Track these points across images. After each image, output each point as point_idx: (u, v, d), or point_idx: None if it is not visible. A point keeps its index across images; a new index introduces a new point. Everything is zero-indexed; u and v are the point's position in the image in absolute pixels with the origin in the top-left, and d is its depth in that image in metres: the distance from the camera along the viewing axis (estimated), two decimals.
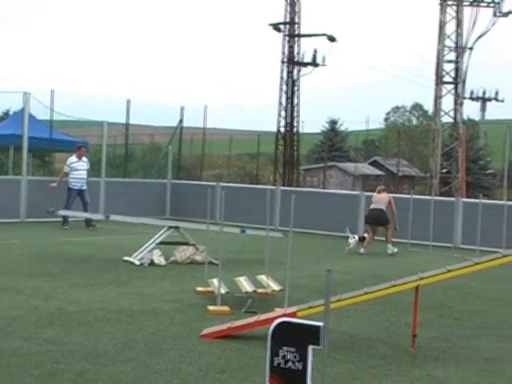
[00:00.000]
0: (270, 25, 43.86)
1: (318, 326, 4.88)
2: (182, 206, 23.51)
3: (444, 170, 39.13)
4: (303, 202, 19.38)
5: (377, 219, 17.50)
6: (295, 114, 43.28)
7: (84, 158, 20.09)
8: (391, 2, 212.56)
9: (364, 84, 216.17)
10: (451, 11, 38.47)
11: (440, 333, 8.89)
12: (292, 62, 43.41)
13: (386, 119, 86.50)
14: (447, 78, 38.59)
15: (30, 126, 21.23)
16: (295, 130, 43.43)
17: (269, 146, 43.74)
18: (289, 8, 43.34)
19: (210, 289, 10.09)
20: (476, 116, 71.72)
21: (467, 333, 9.03)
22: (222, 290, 9.62)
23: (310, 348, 4.88)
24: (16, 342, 7.42)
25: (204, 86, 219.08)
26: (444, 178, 39.14)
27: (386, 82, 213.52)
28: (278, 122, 43.44)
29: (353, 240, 17.15)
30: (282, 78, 43.63)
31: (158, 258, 13.41)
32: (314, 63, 43.85)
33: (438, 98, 38.29)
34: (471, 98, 62.41)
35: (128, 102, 24.55)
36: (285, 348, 4.93)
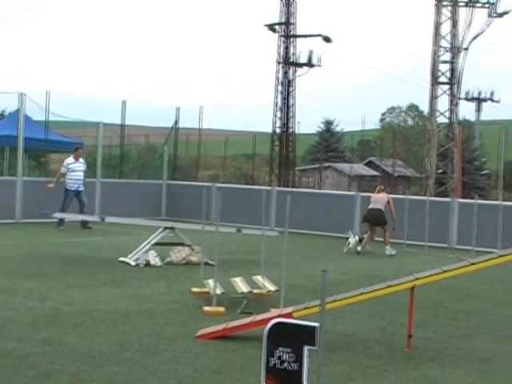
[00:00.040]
0: (266, 25, 43.96)
1: (314, 327, 4.88)
2: (177, 206, 23.49)
3: (439, 171, 39.20)
4: (299, 202, 19.39)
5: (375, 219, 17.51)
6: (291, 114, 43.37)
7: (81, 159, 20.09)
8: (387, 3, 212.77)
9: (359, 85, 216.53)
10: (446, 12, 38.59)
11: (435, 333, 8.90)
12: (287, 62, 43.47)
13: (382, 120, 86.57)
14: (443, 79, 38.69)
15: (26, 127, 21.20)
16: (291, 130, 43.51)
17: (264, 146, 43.80)
18: (284, 9, 43.41)
19: (205, 289, 10.09)
20: (471, 116, 71.98)
21: (463, 333, 9.04)
22: (218, 291, 9.61)
23: (306, 348, 4.88)
24: (11, 343, 7.40)
25: (199, 87, 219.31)
26: (439, 179, 39.21)
27: (381, 82, 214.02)
28: (274, 123, 43.54)
29: (353, 240, 17.21)
30: (277, 78, 43.72)
31: (154, 259, 13.40)
32: (309, 64, 43.95)
33: (433, 98, 38.37)
34: (467, 99, 62.58)
35: (123, 102, 24.55)
36: (280, 349, 4.93)
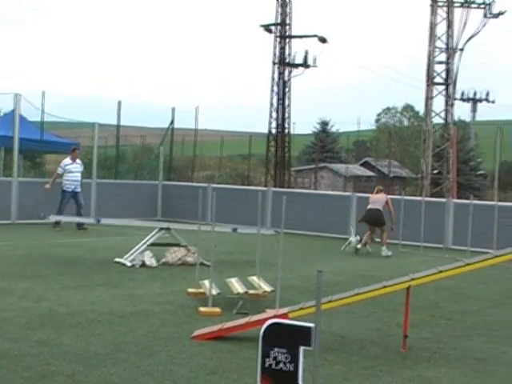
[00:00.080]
0: (261, 26, 43.94)
1: (309, 327, 4.88)
2: (173, 207, 23.49)
3: (435, 171, 39.19)
4: (294, 203, 19.41)
5: (374, 219, 17.52)
6: (286, 115, 43.35)
7: (78, 160, 20.08)
8: (382, 4, 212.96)
9: (355, 85, 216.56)
10: (442, 12, 38.57)
11: (431, 333, 8.91)
12: (283, 63, 43.46)
13: (377, 120, 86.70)
14: (438, 79, 38.67)
15: (21, 128, 21.17)
16: (286, 131, 43.49)
17: (260, 147, 43.79)
18: (280, 9, 43.40)
19: (201, 290, 10.09)
20: (467, 117, 72.02)
21: (458, 333, 9.05)
22: (214, 292, 9.62)
23: (301, 349, 4.88)
24: (7, 344, 7.40)
25: (196, 88, 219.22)
26: (435, 179, 39.20)
27: (377, 83, 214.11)
28: (270, 124, 43.51)
29: (354, 239, 17.28)
30: (273, 79, 43.70)
31: (150, 260, 13.39)
32: (305, 64, 43.91)
33: (429, 99, 38.36)
34: (462, 99, 62.57)
35: (119, 103, 24.56)
36: (276, 349, 4.93)
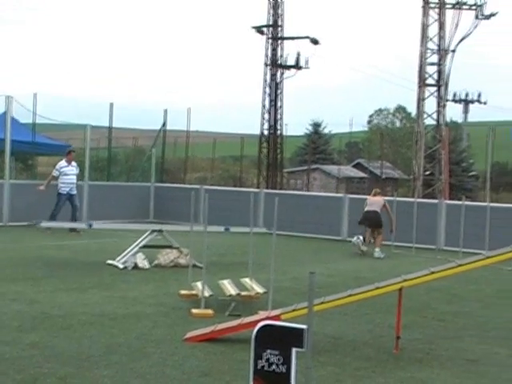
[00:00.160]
0: (253, 27, 43.96)
1: (302, 329, 4.88)
2: (165, 209, 23.47)
3: (427, 172, 39.28)
4: (287, 204, 19.40)
5: (371, 220, 17.55)
6: (278, 116, 43.39)
7: (73, 163, 20.03)
8: (374, 5, 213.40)
9: (347, 87, 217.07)
10: (434, 14, 38.68)
11: (423, 334, 8.92)
12: (275, 64, 43.50)
13: (370, 122, 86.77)
14: (430, 81, 38.78)
15: (13, 130, 21.13)
16: (279, 132, 43.52)
17: (252, 148, 43.81)
18: (272, 11, 43.44)
19: (193, 292, 10.08)
20: (459, 118, 72.11)
21: (450, 334, 9.06)
22: (206, 293, 9.61)
23: (294, 351, 4.88)
24: None
25: (188, 89, 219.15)
26: (427, 180, 39.28)
27: (368, 84, 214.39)
28: (262, 125, 43.55)
29: (358, 240, 17.33)
30: (265, 80, 43.74)
31: (142, 262, 13.38)
32: (297, 66, 43.99)
33: (420, 100, 38.45)
34: (454, 101, 62.57)
35: (111, 105, 24.53)
36: (268, 351, 4.92)
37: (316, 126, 66.23)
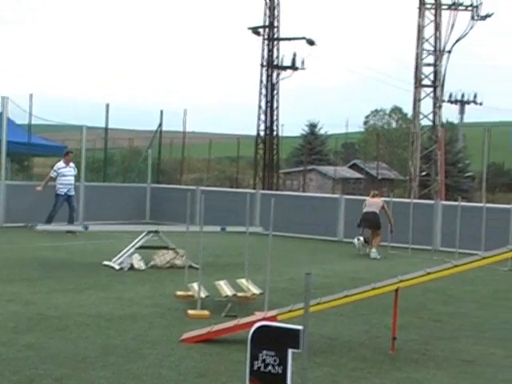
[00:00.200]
0: (250, 28, 43.92)
1: (298, 330, 4.88)
2: (161, 210, 23.47)
3: (423, 173, 39.27)
4: (283, 205, 19.42)
5: (371, 222, 17.56)
6: (275, 117, 43.33)
7: (71, 164, 20.02)
8: (370, 6, 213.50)
9: (343, 87, 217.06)
10: (430, 15, 38.65)
11: (419, 335, 8.93)
12: (271, 65, 43.45)
13: (366, 122, 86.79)
14: (426, 81, 38.75)
15: (9, 131, 21.11)
16: (275, 133, 43.47)
17: (248, 149, 43.75)
18: (268, 12, 43.39)
19: (189, 293, 10.08)
20: (455, 119, 72.22)
21: (447, 335, 9.07)
22: (202, 294, 9.60)
23: (290, 351, 4.88)
24: None
25: (184, 90, 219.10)
26: (423, 181, 39.26)
27: (364, 85, 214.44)
28: (258, 126, 43.47)
29: (358, 241, 17.35)
30: (261, 81, 43.67)
31: (138, 263, 13.37)
32: (293, 67, 43.94)
33: (416, 101, 38.43)
34: (450, 101, 62.64)
35: (107, 106, 24.52)
36: (264, 352, 4.92)
37: (312, 126, 66.19)
